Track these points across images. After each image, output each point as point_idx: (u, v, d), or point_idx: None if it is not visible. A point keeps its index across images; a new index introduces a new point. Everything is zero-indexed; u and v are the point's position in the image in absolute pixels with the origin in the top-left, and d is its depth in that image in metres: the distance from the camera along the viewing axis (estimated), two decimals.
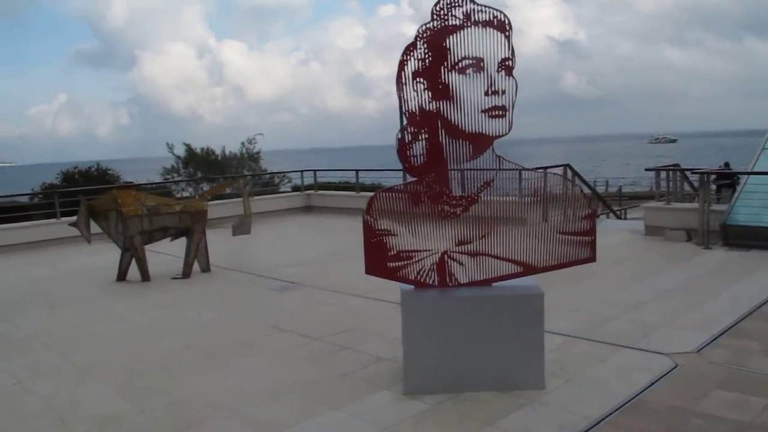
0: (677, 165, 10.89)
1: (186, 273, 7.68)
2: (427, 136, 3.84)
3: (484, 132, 3.78)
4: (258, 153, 21.64)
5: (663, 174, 9.99)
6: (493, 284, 3.92)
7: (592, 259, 3.90)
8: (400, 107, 3.88)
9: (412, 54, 3.79)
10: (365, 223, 3.92)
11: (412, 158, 3.88)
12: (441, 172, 3.86)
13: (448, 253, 3.91)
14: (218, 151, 21.66)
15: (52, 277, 8.11)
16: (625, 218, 13.11)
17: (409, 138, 3.86)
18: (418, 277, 3.93)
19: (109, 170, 23.69)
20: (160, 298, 6.71)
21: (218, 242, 8.52)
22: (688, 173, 10.44)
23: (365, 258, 3.93)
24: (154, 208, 7.55)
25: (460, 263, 3.92)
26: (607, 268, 6.69)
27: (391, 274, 3.95)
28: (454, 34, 3.74)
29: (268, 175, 20.83)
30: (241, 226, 8.26)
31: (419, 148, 3.86)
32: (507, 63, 3.75)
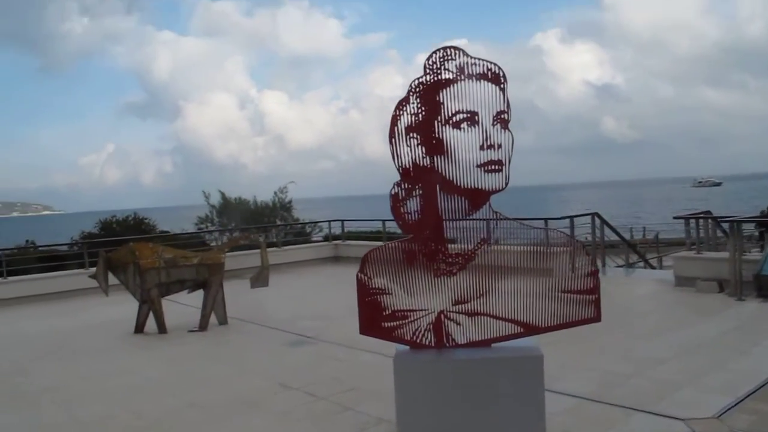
0: (709, 212, 10.52)
1: (202, 326, 7.65)
2: (421, 192, 3.75)
3: (480, 187, 3.66)
4: (290, 202, 21.88)
5: (693, 222, 9.65)
6: (493, 345, 3.74)
7: (596, 319, 3.70)
8: (394, 162, 3.80)
9: (404, 109, 3.73)
10: (359, 282, 3.82)
11: (406, 215, 3.78)
12: (436, 229, 3.75)
13: (445, 312, 3.75)
14: (253, 200, 21.95)
15: (73, 328, 8.19)
16: (661, 267, 12.68)
17: (403, 194, 3.77)
18: (414, 337, 3.77)
19: (146, 219, 24.19)
20: (173, 351, 6.68)
21: (238, 294, 8.50)
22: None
23: (359, 317, 3.81)
24: (172, 260, 7.60)
25: (458, 323, 3.75)
26: (631, 320, 6.41)
27: (387, 335, 3.80)
28: (448, 88, 3.67)
29: (299, 225, 20.95)
30: (259, 279, 8.23)
31: (413, 204, 3.77)
32: (502, 116, 3.66)
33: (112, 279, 7.67)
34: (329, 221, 15.97)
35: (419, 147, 3.73)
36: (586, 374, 4.91)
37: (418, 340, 3.80)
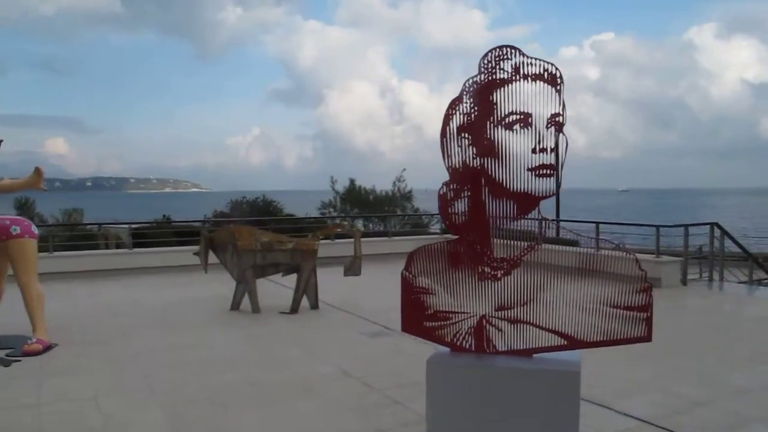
0: None
1: (293, 309, 7.99)
2: (469, 193, 3.69)
3: (530, 191, 3.55)
4: (410, 191, 22.08)
5: None
6: (534, 356, 3.62)
7: (647, 338, 3.47)
8: (444, 161, 3.77)
9: (457, 108, 3.68)
10: (403, 280, 3.84)
11: (453, 216, 3.74)
12: (482, 232, 3.68)
13: (487, 317, 3.69)
14: (372, 189, 22.38)
15: (178, 300, 8.86)
16: None
17: (451, 195, 3.73)
18: (455, 340, 3.74)
19: (273, 201, 25.43)
20: (256, 331, 7.04)
21: (336, 281, 8.74)
22: None
23: (402, 315, 3.84)
24: (268, 244, 7.99)
25: (499, 329, 3.67)
26: (730, 343, 5.91)
27: (428, 334, 3.80)
28: (502, 88, 3.58)
29: (414, 215, 21.14)
30: (351, 267, 8.44)
31: (461, 205, 3.72)
32: (557, 119, 3.51)
33: (213, 258, 8.22)
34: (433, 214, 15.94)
35: (470, 147, 3.66)
36: (655, 396, 4.60)
37: (458, 343, 3.76)
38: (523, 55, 3.58)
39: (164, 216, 26.27)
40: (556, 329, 3.56)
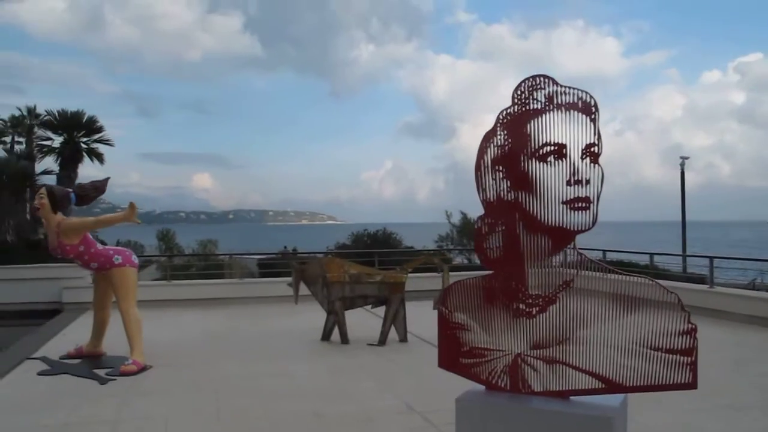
0: None
1: (381, 341, 8.07)
2: (504, 227, 3.61)
3: (565, 225, 3.41)
4: None
5: None
6: (571, 398, 3.43)
7: (692, 385, 3.18)
8: (479, 195, 3.72)
9: (491, 140, 3.64)
10: (440, 315, 3.83)
11: (488, 250, 3.68)
12: (517, 268, 3.58)
13: (522, 356, 3.56)
14: None
15: (278, 329, 9.24)
16: None
17: (486, 229, 3.68)
18: (490, 378, 3.65)
19: (393, 234, 25.87)
20: (340, 362, 7.17)
21: (427, 314, 8.74)
22: None
23: (439, 350, 3.83)
24: (356, 276, 8.18)
25: (535, 369, 3.53)
26: None
27: (464, 371, 3.74)
28: (536, 119, 3.50)
29: None
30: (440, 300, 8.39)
31: (496, 239, 3.65)
32: (592, 149, 3.38)
33: (305, 290, 8.52)
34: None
35: (504, 180, 3.60)
36: None
37: (493, 382, 3.66)
38: (557, 84, 3.49)
39: (284, 247, 27.57)
40: (593, 371, 3.37)
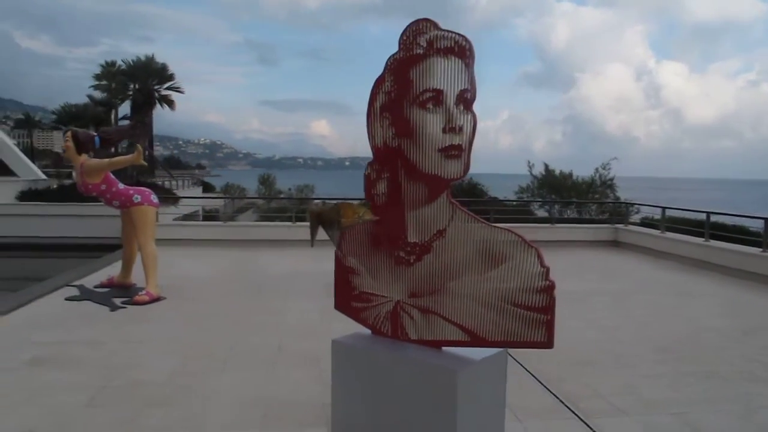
0: None
1: None
2: (388, 174, 3.59)
3: (439, 174, 3.34)
4: (612, 179, 20.58)
5: None
6: (443, 348, 3.42)
7: (547, 344, 3.08)
8: (369, 142, 3.70)
9: (381, 87, 3.58)
10: (336, 258, 3.90)
11: (375, 197, 3.69)
12: (398, 215, 3.56)
13: (401, 303, 3.57)
14: (566, 174, 21.38)
15: (301, 271, 9.55)
16: None
17: (374, 175, 3.67)
18: (375, 323, 3.70)
19: (478, 185, 25.53)
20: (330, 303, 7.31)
21: None
22: None
23: (335, 293, 3.90)
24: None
25: (412, 317, 3.53)
26: None
27: (354, 315, 3.81)
28: (418, 65, 3.40)
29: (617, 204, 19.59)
30: None
31: (382, 186, 3.64)
32: (465, 95, 3.25)
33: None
34: (621, 203, 14.66)
35: (390, 127, 3.56)
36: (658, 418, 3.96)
37: (377, 327, 3.70)
38: (438, 28, 3.35)
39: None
40: (460, 323, 3.33)
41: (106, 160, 7.17)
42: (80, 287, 7.82)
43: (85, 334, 5.77)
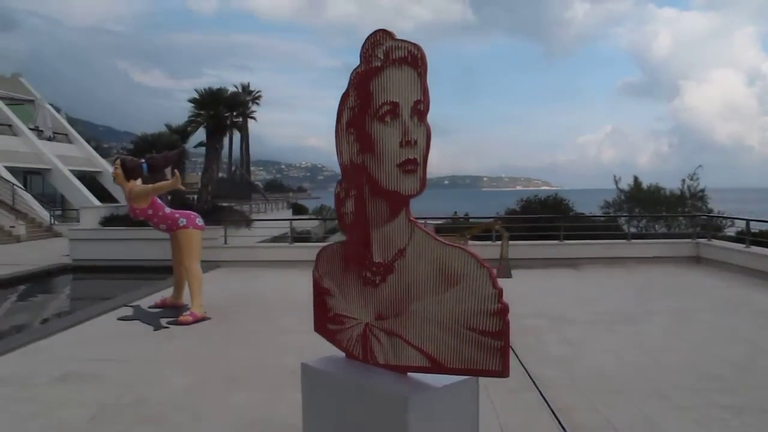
0: None
1: None
2: (355, 192, 3.48)
3: (398, 190, 3.20)
4: (702, 191, 19.19)
5: None
6: (409, 374, 3.24)
7: (501, 372, 2.84)
8: (338, 159, 3.61)
9: (346, 103, 3.49)
10: (313, 279, 3.81)
11: (344, 215, 3.58)
12: (364, 234, 3.44)
13: (369, 326, 3.42)
14: (652, 187, 20.16)
15: None
16: None
17: (343, 194, 3.57)
18: (347, 346, 3.57)
19: (564, 200, 24.70)
20: None
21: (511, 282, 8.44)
22: None
23: (314, 314, 3.82)
24: None
25: (379, 341, 3.38)
26: None
27: (330, 337, 3.70)
28: (376, 77, 3.29)
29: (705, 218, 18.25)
30: (500, 270, 8.05)
31: (350, 205, 3.52)
32: (419, 107, 3.10)
33: None
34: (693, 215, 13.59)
35: (355, 143, 3.45)
36: None
37: (350, 350, 3.57)
38: (393, 38, 3.23)
39: (455, 212, 27.62)
40: (422, 347, 3.15)
41: (150, 185, 7.49)
42: (136, 308, 8.18)
43: (119, 353, 5.99)
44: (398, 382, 3.16)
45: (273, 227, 18.26)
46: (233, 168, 54.78)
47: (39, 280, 12.01)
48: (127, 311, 7.98)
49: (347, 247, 3.57)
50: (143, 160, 7.72)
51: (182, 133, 14.88)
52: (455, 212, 30.22)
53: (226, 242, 13.41)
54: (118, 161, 7.64)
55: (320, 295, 3.76)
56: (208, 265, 12.43)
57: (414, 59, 3.11)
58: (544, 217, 17.78)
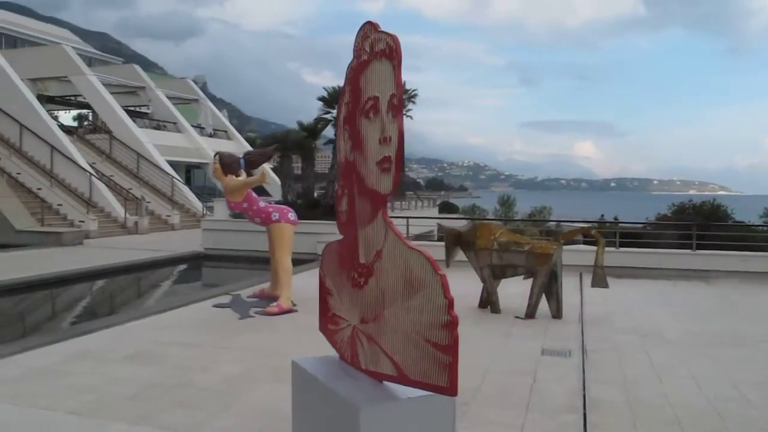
0: None
1: (528, 314, 7.59)
2: (347, 190, 3.40)
3: (377, 189, 3.09)
4: None
5: None
6: (384, 382, 3.10)
7: (449, 390, 2.62)
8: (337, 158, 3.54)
9: (342, 99, 3.43)
10: (319, 279, 3.78)
11: (340, 214, 3.50)
12: (352, 233, 3.35)
13: (356, 329, 3.32)
14: None
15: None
16: None
17: (340, 192, 3.50)
18: (340, 347, 3.50)
19: (722, 206, 22.53)
20: (469, 331, 6.87)
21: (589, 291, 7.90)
22: None
23: (319, 314, 3.79)
24: (504, 244, 7.77)
25: (362, 344, 3.27)
26: None
27: (330, 337, 3.65)
28: (364, 72, 3.20)
29: None
30: (595, 279, 7.44)
31: (345, 203, 3.45)
32: (393, 101, 2.96)
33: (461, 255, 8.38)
34: None
35: (348, 141, 3.37)
36: None
37: (342, 352, 3.48)
38: (377, 30, 3.10)
39: (602, 215, 26.05)
40: (392, 356, 3.01)
41: (242, 180, 7.87)
42: (235, 296, 8.65)
43: (194, 337, 6.36)
44: (366, 390, 3.03)
45: (414, 225, 18.30)
46: None
47: (172, 265, 13.19)
48: (226, 299, 8.46)
49: (342, 246, 3.50)
50: (240, 156, 8.14)
51: (311, 130, 15.49)
52: (602, 215, 28.53)
53: None
54: (217, 156, 8.11)
55: (323, 294, 3.71)
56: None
57: (390, 51, 2.96)
58: (671, 224, 16.30)
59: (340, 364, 3.44)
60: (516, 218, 35.40)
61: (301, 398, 3.45)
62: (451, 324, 2.58)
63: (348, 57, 3.38)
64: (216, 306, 8.02)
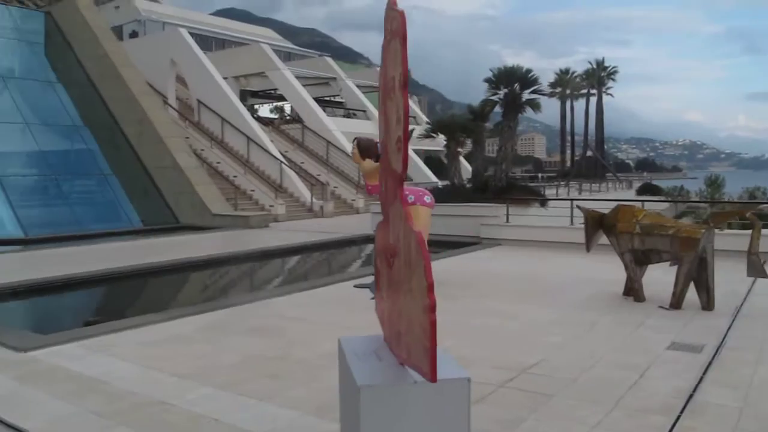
0: None
1: (672, 303, 6.89)
2: (384, 170, 3.43)
3: (396, 168, 3.12)
4: None
5: None
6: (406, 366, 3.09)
7: (428, 375, 2.56)
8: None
9: (381, 80, 3.44)
10: (374, 259, 3.85)
11: (382, 194, 3.55)
12: (385, 213, 3.39)
13: (388, 310, 3.35)
14: None
15: (588, 277, 8.73)
16: None
17: (381, 173, 3.53)
18: (382, 327, 3.55)
19: None
20: (599, 320, 6.50)
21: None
22: None
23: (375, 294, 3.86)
24: (647, 227, 7.09)
25: (390, 325, 3.29)
26: None
27: (379, 317, 3.70)
28: (386, 50, 3.22)
29: None
30: (750, 266, 6.50)
31: (384, 184, 3.48)
32: (399, 79, 2.94)
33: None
34: None
35: (383, 122, 3.38)
36: None
37: (384, 332, 3.49)
38: (393, 7, 3.05)
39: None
40: (405, 338, 2.99)
41: (377, 164, 8.06)
42: None
43: (318, 315, 6.75)
44: (380, 371, 3.05)
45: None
46: (586, 151, 53.61)
47: (340, 247, 13.97)
48: (368, 279, 8.79)
49: (383, 226, 3.51)
50: (377, 141, 8.34)
51: (479, 113, 15.29)
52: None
53: (507, 220, 13.46)
54: (355, 141, 8.40)
55: (376, 275, 3.76)
56: (488, 243, 12.79)
57: (398, 28, 2.91)
58: None
59: (380, 344, 3.46)
60: (723, 200, 31.82)
61: (341, 376, 3.55)
62: (428, 308, 2.49)
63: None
64: (356, 286, 8.38)
